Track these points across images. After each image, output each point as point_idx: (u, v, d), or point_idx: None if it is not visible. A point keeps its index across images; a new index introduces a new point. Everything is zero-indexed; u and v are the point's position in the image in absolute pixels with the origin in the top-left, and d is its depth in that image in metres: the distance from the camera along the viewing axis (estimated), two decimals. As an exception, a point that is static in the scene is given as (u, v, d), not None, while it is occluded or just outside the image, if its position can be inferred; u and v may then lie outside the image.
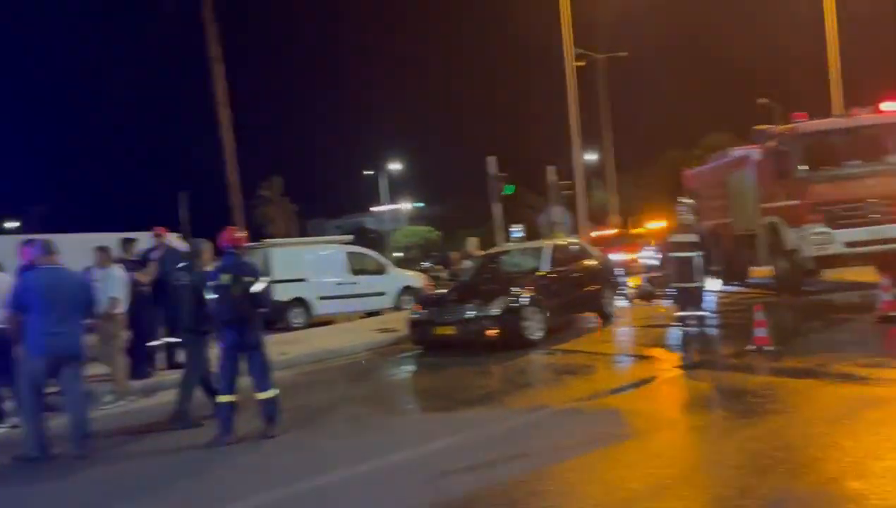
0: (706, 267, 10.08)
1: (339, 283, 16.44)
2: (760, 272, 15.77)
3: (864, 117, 13.52)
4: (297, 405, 7.89)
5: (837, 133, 13.57)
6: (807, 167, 12.99)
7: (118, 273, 8.61)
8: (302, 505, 4.90)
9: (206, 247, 7.53)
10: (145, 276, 9.58)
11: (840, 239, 12.66)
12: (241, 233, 6.98)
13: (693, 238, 9.93)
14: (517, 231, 27.05)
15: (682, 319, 9.98)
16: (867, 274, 13.90)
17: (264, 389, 6.64)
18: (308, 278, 15.96)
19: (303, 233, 53.66)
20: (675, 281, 10.05)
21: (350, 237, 19.87)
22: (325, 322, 16.25)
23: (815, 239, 12.71)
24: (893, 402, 5.76)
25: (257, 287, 6.53)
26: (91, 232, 13.84)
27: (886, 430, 5.04)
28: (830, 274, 15.28)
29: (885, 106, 13.42)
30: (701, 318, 9.96)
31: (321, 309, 16.10)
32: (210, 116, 19.66)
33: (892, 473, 4.24)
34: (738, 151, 16.45)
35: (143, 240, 10.52)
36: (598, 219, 40.16)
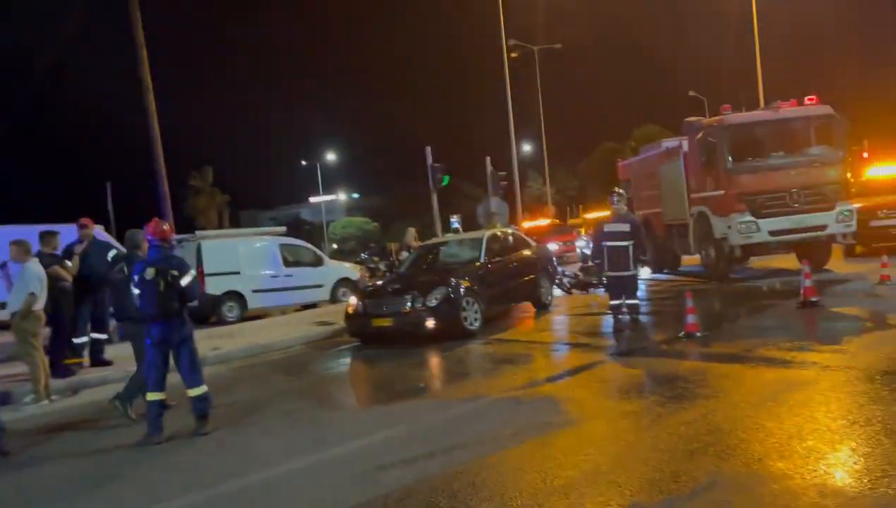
0: (638, 256, 10.27)
1: (274, 276, 16.13)
2: (690, 260, 16.24)
3: (787, 110, 14.03)
4: (231, 401, 7.72)
5: (762, 125, 14.06)
6: (733, 158, 13.39)
7: (35, 267, 8.19)
8: (234, 504, 4.76)
9: (142, 237, 7.34)
10: (67, 271, 9.15)
11: (765, 227, 13.12)
12: (167, 226, 6.73)
13: (626, 227, 10.09)
14: (455, 221, 27.10)
15: (615, 308, 10.15)
16: (790, 261, 14.50)
17: (195, 385, 6.44)
18: (242, 271, 15.61)
19: (235, 224, 52.61)
20: (609, 270, 10.20)
21: (284, 229, 19.51)
22: (260, 315, 15.95)
23: (742, 227, 13.14)
24: (814, 385, 5.98)
25: (185, 280, 6.32)
26: (10, 224, 13.19)
27: (808, 412, 5.23)
28: (756, 262, 15.89)
29: (808, 99, 13.96)
30: (634, 306, 10.15)
31: (255, 302, 15.77)
32: (138, 104, 18.91)
33: (814, 453, 4.39)
34: (668, 143, 16.86)
35: (70, 233, 10.04)
36: (534, 210, 40.68)
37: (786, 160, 13.51)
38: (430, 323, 10.14)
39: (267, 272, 16.08)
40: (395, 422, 6.24)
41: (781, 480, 4.02)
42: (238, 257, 15.79)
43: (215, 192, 55.21)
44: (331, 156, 56.29)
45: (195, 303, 6.59)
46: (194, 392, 6.44)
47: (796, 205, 13.17)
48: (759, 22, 26.03)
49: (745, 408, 5.47)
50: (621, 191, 11.02)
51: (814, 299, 9.83)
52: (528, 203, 40.81)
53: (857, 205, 14.00)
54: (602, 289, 12.42)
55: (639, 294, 10.70)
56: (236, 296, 15.43)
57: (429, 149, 17.88)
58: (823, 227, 13.30)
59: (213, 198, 54.92)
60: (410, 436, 5.79)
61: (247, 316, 15.55)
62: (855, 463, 4.22)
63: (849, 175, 14.89)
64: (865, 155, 29.99)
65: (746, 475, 4.17)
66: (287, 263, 16.55)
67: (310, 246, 18.26)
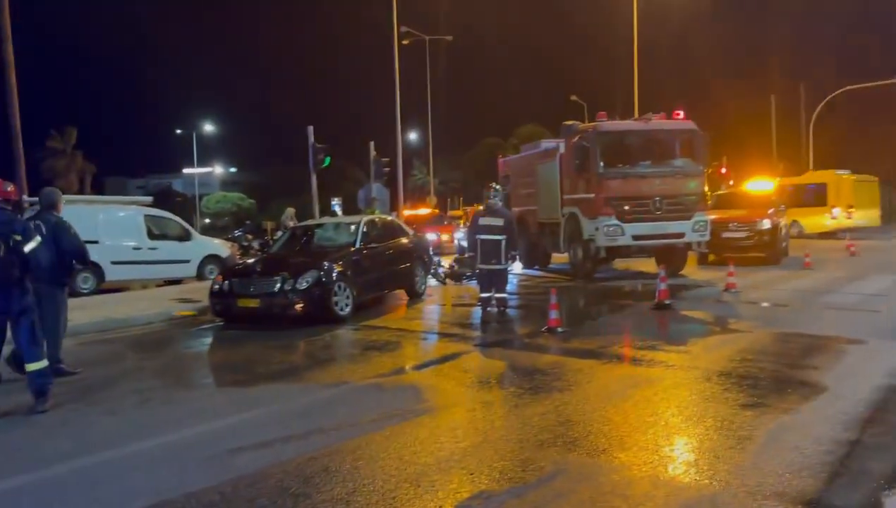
0: (510, 251, 10.53)
1: (136, 248, 15.29)
2: (560, 258, 16.87)
3: (656, 122, 14.83)
4: (76, 378, 7.26)
5: (633, 134, 14.79)
6: (605, 163, 14.01)
7: None
8: (68, 488, 4.45)
9: (59, 196, 7.38)
10: None
11: (629, 232, 13.84)
12: (11, 186, 6.20)
13: (499, 222, 10.32)
14: (336, 204, 26.82)
15: (484, 300, 10.37)
16: (650, 264, 15.39)
17: (34, 359, 6.00)
18: (100, 240, 14.65)
19: (99, 191, 49.40)
20: (481, 262, 10.40)
21: (150, 199, 18.50)
22: (118, 288, 15.07)
23: (608, 230, 13.79)
24: (658, 382, 6.38)
25: (28, 246, 5.84)
26: None
27: (651, 407, 5.58)
28: (620, 264, 16.75)
29: (675, 114, 14.83)
30: (502, 300, 10.41)
31: (114, 274, 14.88)
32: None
33: (652, 445, 4.69)
34: (546, 143, 17.40)
35: None
36: (416, 199, 40.89)
37: (652, 169, 14.29)
38: (299, 306, 9.95)
39: (128, 243, 15.21)
40: (253, 405, 6.09)
41: (621, 471, 4.26)
42: (97, 225, 14.81)
43: (77, 155, 51.42)
44: (208, 127, 53.88)
45: (40, 272, 6.11)
46: (33, 366, 5.99)
47: (658, 213, 13.97)
48: (641, 36, 27.55)
49: (594, 402, 5.76)
50: (498, 186, 11.26)
51: (667, 302, 10.48)
52: (410, 191, 40.99)
53: (711, 217, 15.06)
54: (475, 281, 12.66)
55: (508, 288, 10.99)
56: (93, 267, 14.47)
57: (311, 128, 17.49)
58: (681, 235, 14.19)
59: (74, 160, 51.12)
60: (267, 420, 5.67)
61: (104, 288, 14.66)
62: (686, 456, 4.54)
63: (706, 188, 15.95)
64: (724, 170, 32.31)
65: (590, 465, 4.38)
66: (152, 235, 15.74)
67: (178, 219, 17.41)
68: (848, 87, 37.51)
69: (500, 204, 10.75)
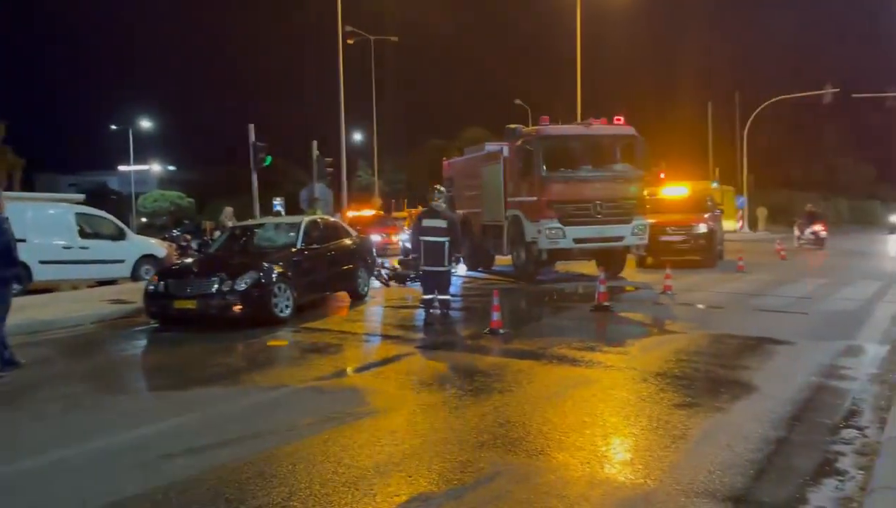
0: (454, 253, 10.53)
1: (67, 247, 14.69)
2: (503, 260, 17.00)
3: (597, 127, 15.09)
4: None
5: (575, 139, 15.01)
6: (547, 167, 14.17)
7: None
8: (-13, 498, 4.25)
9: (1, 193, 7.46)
10: None
11: (570, 235, 14.03)
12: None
13: (443, 224, 10.31)
14: (278, 204, 26.44)
15: (427, 302, 10.34)
16: (590, 267, 15.63)
17: (-48, 364, 5.70)
18: (27, 238, 14.02)
19: (30, 188, 47.45)
20: (424, 264, 10.37)
21: (81, 196, 17.84)
22: (47, 289, 14.47)
23: (550, 233, 13.96)
24: (597, 383, 6.47)
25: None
26: None
27: (589, 407, 5.65)
28: (562, 266, 16.97)
29: (616, 119, 15.11)
30: (445, 302, 10.40)
31: (42, 274, 14.26)
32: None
33: (590, 446, 4.75)
34: (490, 146, 17.48)
35: None
36: (361, 200, 40.60)
37: (593, 173, 14.53)
38: (238, 308, 9.74)
39: (58, 242, 14.61)
40: (188, 409, 5.93)
41: (558, 471, 4.30)
42: (24, 223, 14.14)
43: (6, 150, 49.28)
44: (145, 124, 52.36)
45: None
46: (-49, 370, 5.70)
47: (599, 216, 14.21)
48: (583, 42, 28.09)
49: (534, 403, 5.80)
50: (441, 188, 11.26)
51: (606, 304, 10.66)
52: (355, 192, 40.66)
53: (650, 221, 15.39)
54: (418, 283, 12.61)
55: (452, 290, 10.98)
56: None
57: (251, 126, 17.17)
58: (621, 238, 14.46)
59: (3, 156, 48.96)
60: (202, 424, 5.53)
61: (31, 288, 14.02)
62: (622, 456, 4.62)
63: (645, 192, 16.30)
64: (662, 175, 33.24)
65: (528, 466, 4.40)
66: (84, 234, 15.16)
67: (111, 217, 16.82)
68: (780, 97, 38.93)
69: (443, 205, 10.74)
